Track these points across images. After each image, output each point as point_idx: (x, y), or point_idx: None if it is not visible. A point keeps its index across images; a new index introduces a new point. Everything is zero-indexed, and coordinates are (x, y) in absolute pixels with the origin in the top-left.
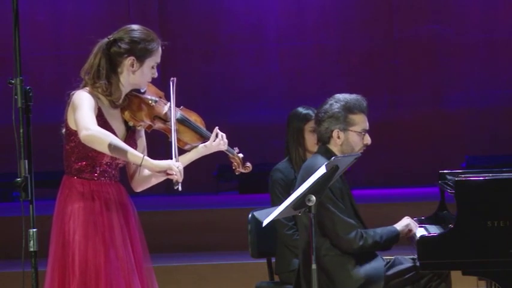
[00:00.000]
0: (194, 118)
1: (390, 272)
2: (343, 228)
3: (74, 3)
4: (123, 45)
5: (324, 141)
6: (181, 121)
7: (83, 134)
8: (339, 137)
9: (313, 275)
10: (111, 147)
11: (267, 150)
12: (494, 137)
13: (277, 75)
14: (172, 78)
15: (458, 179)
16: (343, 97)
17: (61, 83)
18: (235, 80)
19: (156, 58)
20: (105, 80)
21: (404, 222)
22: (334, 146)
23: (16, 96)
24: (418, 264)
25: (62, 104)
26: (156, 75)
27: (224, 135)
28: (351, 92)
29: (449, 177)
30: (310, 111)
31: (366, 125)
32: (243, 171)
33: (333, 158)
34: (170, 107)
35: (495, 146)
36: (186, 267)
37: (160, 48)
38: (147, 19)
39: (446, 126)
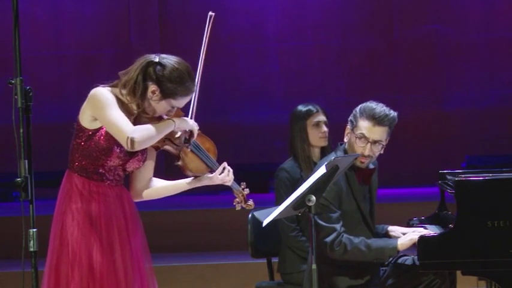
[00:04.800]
0: (207, 146)
1: (390, 282)
2: (322, 232)
3: (74, 3)
4: (158, 73)
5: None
6: (191, 149)
7: (131, 147)
8: (347, 135)
9: (313, 275)
10: (155, 138)
11: (267, 150)
12: (494, 137)
13: (277, 75)
14: (211, 14)
15: (458, 179)
16: (370, 103)
17: (61, 83)
18: (235, 80)
19: (178, 103)
20: (140, 98)
21: (409, 237)
22: (346, 142)
23: (16, 96)
24: (417, 264)
25: (62, 104)
26: (172, 113)
27: (231, 170)
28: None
29: (449, 177)
30: (310, 107)
31: (368, 134)
32: (244, 207)
33: (333, 157)
34: (193, 121)
35: (495, 146)
36: (186, 267)
37: (189, 97)
38: (147, 19)
39: (446, 126)
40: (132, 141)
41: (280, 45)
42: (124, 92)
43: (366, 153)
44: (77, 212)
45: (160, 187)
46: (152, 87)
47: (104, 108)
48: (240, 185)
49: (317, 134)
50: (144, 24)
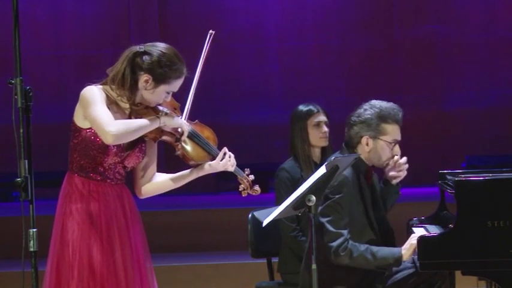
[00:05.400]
0: (207, 135)
1: (390, 282)
2: (329, 236)
3: (74, 3)
4: (147, 62)
5: (350, 145)
6: (190, 137)
7: (108, 140)
8: (367, 144)
9: (313, 275)
10: (136, 132)
11: (267, 150)
12: (494, 137)
13: (277, 75)
14: (211, 32)
15: (458, 179)
16: (379, 104)
17: (61, 83)
18: (235, 80)
19: (172, 87)
20: (129, 90)
21: (408, 244)
22: (361, 152)
23: (16, 96)
24: (417, 264)
25: (62, 104)
26: (168, 99)
27: (232, 155)
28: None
29: (449, 177)
30: (311, 107)
31: (398, 136)
32: (251, 193)
33: (333, 157)
34: (182, 119)
35: (495, 146)
36: (186, 267)
37: (182, 79)
38: (147, 19)
39: (446, 126)
40: (109, 134)
41: (280, 45)
42: (114, 86)
43: (399, 153)
44: (77, 212)
45: (159, 181)
46: (144, 76)
47: (89, 105)
48: (243, 171)
49: (317, 134)
50: (144, 24)
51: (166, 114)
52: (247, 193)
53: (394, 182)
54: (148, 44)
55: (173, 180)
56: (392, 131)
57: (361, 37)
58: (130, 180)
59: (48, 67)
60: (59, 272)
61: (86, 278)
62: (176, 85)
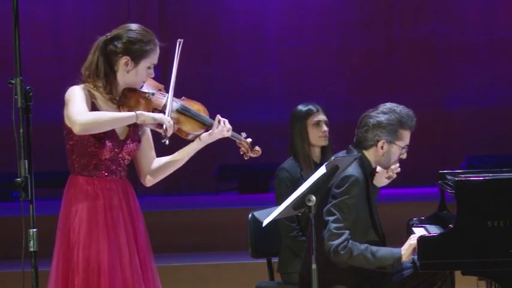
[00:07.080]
0: (196, 107)
1: (390, 282)
2: (330, 234)
3: (74, 3)
4: (119, 45)
5: (363, 147)
6: (180, 111)
7: (76, 129)
8: (382, 148)
9: (313, 275)
10: (107, 123)
11: (267, 150)
12: (494, 137)
13: (277, 75)
14: (179, 40)
15: (458, 179)
16: (398, 109)
17: (61, 83)
18: (235, 80)
19: (152, 60)
20: (104, 78)
21: (407, 245)
22: (373, 155)
23: (16, 96)
24: (417, 264)
25: (62, 104)
26: (152, 75)
27: (226, 120)
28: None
29: (449, 177)
30: (310, 106)
31: (408, 141)
32: (252, 155)
33: (333, 157)
34: (168, 98)
35: (495, 146)
36: (186, 267)
37: (157, 49)
38: (147, 19)
39: (446, 126)
40: (76, 123)
41: (280, 45)
42: (90, 79)
43: (405, 156)
44: (82, 211)
45: (162, 164)
46: (123, 59)
47: (67, 104)
48: (240, 135)
49: (317, 134)
50: (144, 24)
51: (153, 95)
52: (249, 156)
53: (380, 185)
54: (113, 30)
55: (175, 159)
56: (406, 137)
57: (361, 37)
58: (133, 176)
59: (48, 67)
60: (65, 273)
61: (93, 278)
62: (155, 57)
